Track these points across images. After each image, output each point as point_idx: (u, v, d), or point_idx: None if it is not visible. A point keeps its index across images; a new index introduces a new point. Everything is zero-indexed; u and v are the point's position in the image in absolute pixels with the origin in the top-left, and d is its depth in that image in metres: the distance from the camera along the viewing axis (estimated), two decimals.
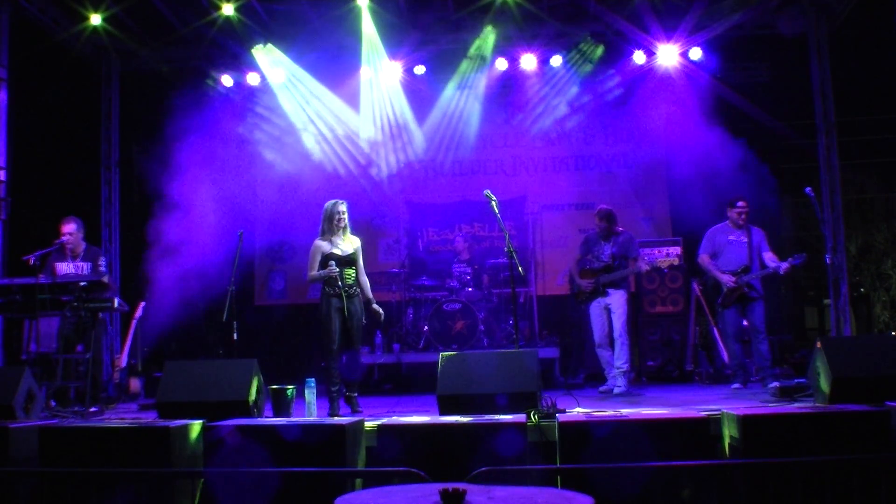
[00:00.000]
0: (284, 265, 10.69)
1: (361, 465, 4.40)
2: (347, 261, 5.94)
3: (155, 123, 9.28)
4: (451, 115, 10.35)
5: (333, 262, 5.86)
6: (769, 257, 6.94)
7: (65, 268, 6.79)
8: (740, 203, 7.10)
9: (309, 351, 9.97)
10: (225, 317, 6.21)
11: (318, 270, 5.92)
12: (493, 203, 5.98)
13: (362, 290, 6.06)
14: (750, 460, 3.87)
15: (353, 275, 5.98)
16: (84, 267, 6.83)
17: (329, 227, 5.99)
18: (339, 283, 5.85)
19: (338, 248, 5.95)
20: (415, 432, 4.35)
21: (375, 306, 6.08)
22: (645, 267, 7.03)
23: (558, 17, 9.47)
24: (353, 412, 5.73)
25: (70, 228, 6.77)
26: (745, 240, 7.05)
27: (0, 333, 7.78)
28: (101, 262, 6.91)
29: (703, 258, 7.21)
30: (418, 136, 10.49)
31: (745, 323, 7.13)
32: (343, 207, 6.04)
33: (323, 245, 5.97)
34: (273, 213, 10.32)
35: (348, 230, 6.06)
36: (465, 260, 9.12)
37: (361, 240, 6.21)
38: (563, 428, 4.12)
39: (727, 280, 6.94)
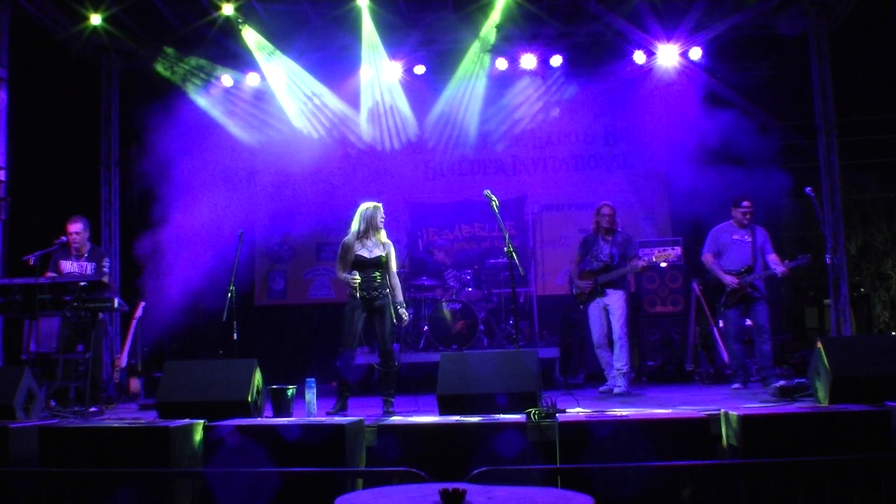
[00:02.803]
0: (284, 265, 10.69)
1: (361, 465, 4.40)
2: (375, 263, 5.93)
3: (155, 123, 9.28)
4: (451, 114, 10.36)
5: (356, 271, 5.86)
6: (772, 259, 6.92)
7: (69, 266, 6.79)
8: (745, 203, 7.05)
9: (309, 351, 9.99)
10: (225, 317, 6.22)
11: (345, 272, 5.95)
12: (493, 203, 5.98)
13: (392, 292, 6.04)
14: (750, 460, 3.87)
15: (379, 278, 5.95)
16: (88, 267, 6.84)
17: (365, 229, 5.98)
18: (363, 287, 5.86)
19: (366, 249, 5.95)
20: (415, 432, 4.35)
21: (402, 310, 6.04)
22: (641, 264, 7.02)
23: (558, 17, 9.47)
24: (385, 413, 5.74)
25: (77, 228, 6.77)
26: (749, 240, 7.02)
27: (0, 333, 7.78)
28: (105, 263, 6.92)
29: (707, 257, 7.18)
30: (418, 136, 10.49)
31: (747, 323, 7.13)
32: (380, 206, 6.06)
33: (352, 244, 5.97)
34: (273, 213, 10.32)
35: (382, 232, 6.05)
36: (450, 265, 9.17)
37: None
38: (563, 428, 4.12)
39: (730, 281, 6.92)
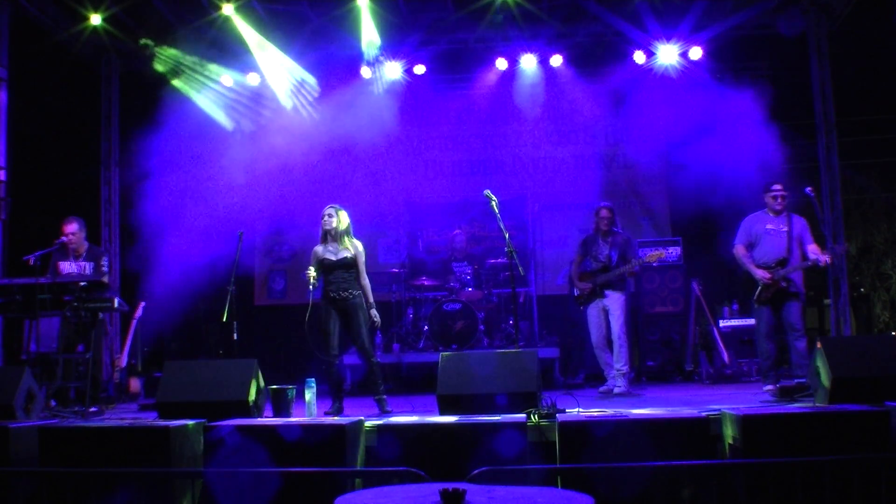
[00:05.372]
0: (284, 265, 10.69)
1: (361, 466, 4.40)
2: (341, 265, 5.95)
3: (155, 123, 9.28)
4: (452, 114, 10.34)
5: (312, 268, 5.87)
6: (812, 249, 6.34)
7: (68, 267, 6.79)
8: (775, 186, 6.50)
9: (309, 351, 9.97)
10: (225, 317, 6.23)
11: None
12: (493, 203, 5.98)
13: (363, 294, 6.05)
14: (750, 460, 3.87)
15: (349, 279, 5.96)
16: (87, 267, 6.83)
17: (323, 233, 6.05)
18: (333, 288, 5.91)
19: (329, 252, 5.98)
20: (415, 432, 4.36)
21: (373, 311, 6.06)
22: (636, 268, 6.99)
23: (558, 17, 9.47)
24: (382, 412, 5.75)
25: (72, 228, 6.77)
26: (785, 229, 6.40)
27: (0, 333, 7.78)
28: (104, 261, 6.91)
29: (738, 249, 6.58)
30: (418, 135, 10.48)
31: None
32: (330, 211, 6.04)
33: (317, 249, 6.04)
34: (273, 213, 10.32)
35: (344, 235, 6.02)
36: (461, 258, 9.13)
37: (363, 242, 6.18)
38: (563, 428, 4.13)
39: (761, 276, 6.35)
